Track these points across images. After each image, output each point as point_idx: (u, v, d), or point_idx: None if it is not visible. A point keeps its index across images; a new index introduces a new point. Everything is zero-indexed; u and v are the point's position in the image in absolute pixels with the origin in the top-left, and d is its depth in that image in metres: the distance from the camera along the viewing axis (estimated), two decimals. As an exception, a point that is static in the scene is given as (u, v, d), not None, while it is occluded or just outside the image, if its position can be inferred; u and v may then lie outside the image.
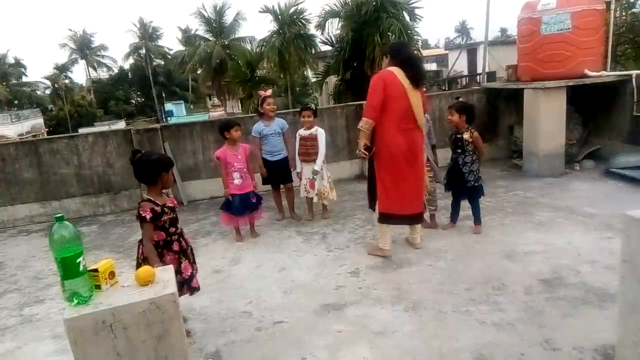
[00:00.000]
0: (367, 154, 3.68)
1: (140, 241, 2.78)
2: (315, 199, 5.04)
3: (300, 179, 5.06)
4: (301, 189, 5.08)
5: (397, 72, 3.61)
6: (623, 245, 2.01)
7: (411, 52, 3.80)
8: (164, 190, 2.85)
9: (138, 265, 2.74)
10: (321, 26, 13.86)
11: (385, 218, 3.85)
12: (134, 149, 3.09)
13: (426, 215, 4.38)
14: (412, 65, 3.67)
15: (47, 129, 33.34)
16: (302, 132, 4.95)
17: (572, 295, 3.00)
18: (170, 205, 2.80)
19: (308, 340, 2.77)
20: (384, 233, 3.92)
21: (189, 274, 2.85)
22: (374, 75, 3.78)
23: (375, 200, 3.91)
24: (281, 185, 5.27)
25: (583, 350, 2.43)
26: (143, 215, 2.63)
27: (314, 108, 5.04)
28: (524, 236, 4.10)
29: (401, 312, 3.00)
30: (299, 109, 5.53)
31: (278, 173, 5.09)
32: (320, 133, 4.92)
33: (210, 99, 40.46)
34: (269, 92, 5.24)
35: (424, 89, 4.17)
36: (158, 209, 2.69)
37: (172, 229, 2.80)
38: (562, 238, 3.98)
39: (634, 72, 6.11)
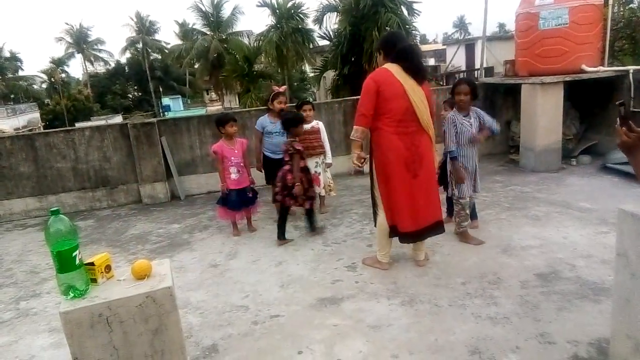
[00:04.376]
0: (360, 166, 3.33)
1: (289, 171, 4.15)
2: (322, 193, 5.01)
3: None
4: None
5: (394, 68, 3.19)
6: (617, 240, 2.02)
7: (407, 43, 3.31)
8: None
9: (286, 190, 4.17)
10: (319, 20, 13.81)
11: (396, 233, 3.46)
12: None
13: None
14: (409, 58, 3.21)
15: (43, 123, 33.22)
16: None
17: (568, 290, 3.02)
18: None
19: (304, 334, 2.78)
20: (383, 245, 3.55)
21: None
22: (370, 73, 3.37)
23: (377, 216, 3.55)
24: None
25: (578, 343, 2.45)
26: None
27: (312, 102, 5.01)
28: (520, 231, 4.12)
29: (397, 305, 3.01)
30: (295, 104, 5.51)
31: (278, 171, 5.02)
32: (321, 125, 4.94)
33: (207, 94, 40.34)
34: (283, 88, 5.10)
35: (429, 86, 3.59)
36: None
37: None
38: (558, 233, 3.99)
39: (631, 68, 6.12)
